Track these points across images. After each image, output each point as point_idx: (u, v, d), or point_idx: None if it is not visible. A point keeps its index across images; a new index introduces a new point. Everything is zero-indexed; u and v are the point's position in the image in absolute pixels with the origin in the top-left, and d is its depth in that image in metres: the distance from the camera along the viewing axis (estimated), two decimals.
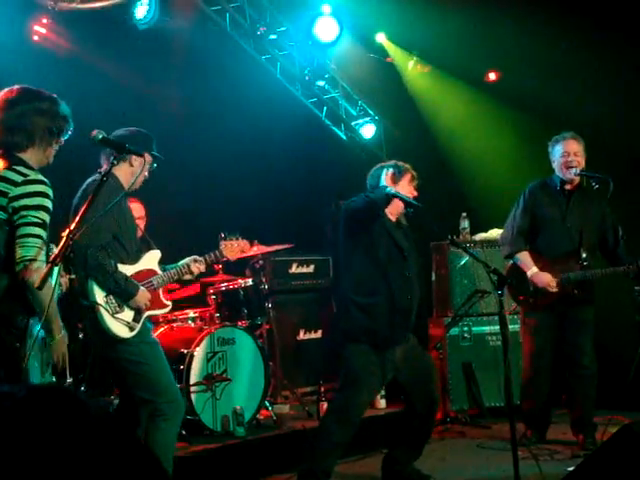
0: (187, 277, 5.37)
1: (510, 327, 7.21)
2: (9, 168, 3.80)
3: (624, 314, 6.32)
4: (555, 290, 6.33)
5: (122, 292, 4.73)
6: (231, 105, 8.32)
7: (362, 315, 5.45)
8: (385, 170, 5.68)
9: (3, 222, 3.74)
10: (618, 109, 7.92)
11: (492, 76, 9.54)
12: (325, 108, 9.66)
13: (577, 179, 6.42)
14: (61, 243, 3.60)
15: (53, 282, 3.67)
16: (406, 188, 5.62)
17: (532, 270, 6.40)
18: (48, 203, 3.79)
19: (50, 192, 3.82)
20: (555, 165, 6.48)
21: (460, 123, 9.22)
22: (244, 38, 8.74)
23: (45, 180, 3.84)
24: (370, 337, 5.42)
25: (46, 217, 3.76)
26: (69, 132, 4.08)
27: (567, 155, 6.34)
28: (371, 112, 9.79)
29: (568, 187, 6.49)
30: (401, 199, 5.54)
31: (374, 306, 5.47)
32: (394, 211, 5.64)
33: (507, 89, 9.07)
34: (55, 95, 4.05)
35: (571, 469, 4.70)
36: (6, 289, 3.71)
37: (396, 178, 5.64)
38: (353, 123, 9.85)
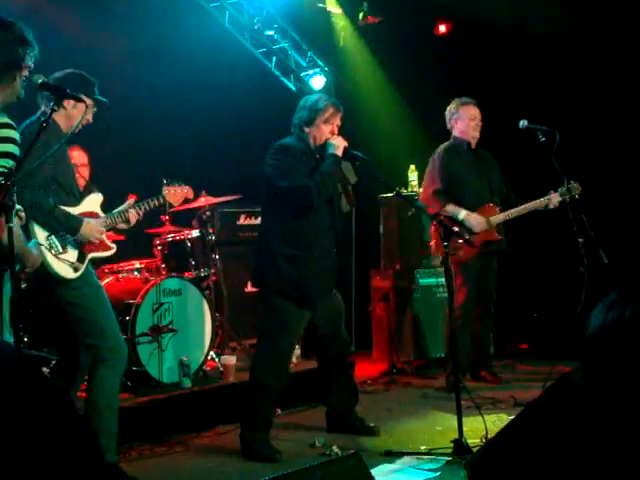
0: (122, 227, 5.30)
1: None
2: None
3: (568, 266, 6.38)
4: (484, 227, 6.87)
5: (65, 228, 4.66)
6: (178, 54, 8.21)
7: (291, 268, 5.35)
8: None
9: None
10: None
11: (442, 28, 9.49)
12: (274, 58, 9.53)
13: (475, 141, 7.14)
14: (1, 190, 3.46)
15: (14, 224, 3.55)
16: (321, 128, 5.46)
17: (462, 212, 6.93)
18: (15, 149, 3.59)
19: (17, 136, 3.62)
20: (459, 127, 7.15)
21: (410, 75, 9.16)
22: None
23: (11, 123, 3.63)
24: (299, 292, 5.37)
25: (12, 164, 3.56)
26: (33, 56, 3.82)
27: (473, 119, 7.10)
28: (321, 63, 9.69)
29: (472, 146, 7.18)
30: (348, 155, 5.49)
31: (303, 259, 5.37)
32: (320, 138, 5.48)
33: (458, 41, 9.06)
34: (6, 20, 3.76)
35: (512, 417, 4.79)
36: None
37: (313, 120, 5.47)
38: (303, 74, 9.74)
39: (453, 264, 6.91)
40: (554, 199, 6.74)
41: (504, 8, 8.11)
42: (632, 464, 1.24)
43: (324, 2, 9.46)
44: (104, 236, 5.00)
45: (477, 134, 7.12)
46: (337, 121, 5.52)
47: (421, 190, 7.32)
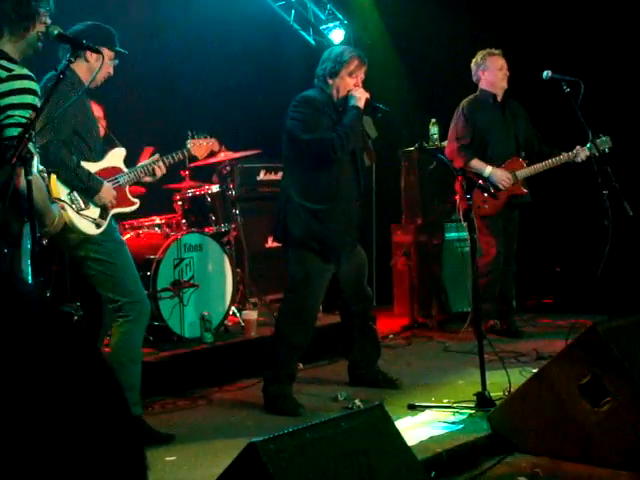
0: (148, 180, 5.29)
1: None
2: None
3: (592, 219, 6.31)
4: (510, 184, 6.91)
5: (85, 188, 4.62)
6: (197, 8, 8.12)
7: (314, 221, 5.32)
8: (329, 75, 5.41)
9: None
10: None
11: None
12: (293, 11, 9.44)
13: (503, 91, 7.13)
14: (20, 142, 3.46)
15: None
16: (345, 81, 5.39)
17: (488, 169, 6.93)
18: (35, 100, 3.58)
19: (37, 88, 3.62)
20: (487, 78, 7.13)
21: (430, 27, 9.03)
22: None
23: (31, 74, 3.62)
24: (322, 246, 5.35)
25: (32, 115, 3.55)
26: (48, 10, 3.82)
27: (501, 70, 7.07)
28: (340, 16, 9.58)
29: (499, 99, 7.17)
30: (370, 107, 5.44)
31: (326, 213, 5.33)
32: (342, 91, 5.42)
33: None
34: None
35: (535, 371, 4.78)
36: None
37: (338, 71, 5.39)
38: (322, 27, 9.64)
39: (477, 218, 6.91)
40: (582, 154, 6.71)
41: None
42: None
43: None
44: (127, 191, 4.99)
45: (505, 84, 7.11)
46: (361, 74, 5.46)
47: (446, 144, 7.27)
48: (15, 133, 3.47)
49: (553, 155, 6.91)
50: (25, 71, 3.61)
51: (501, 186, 6.87)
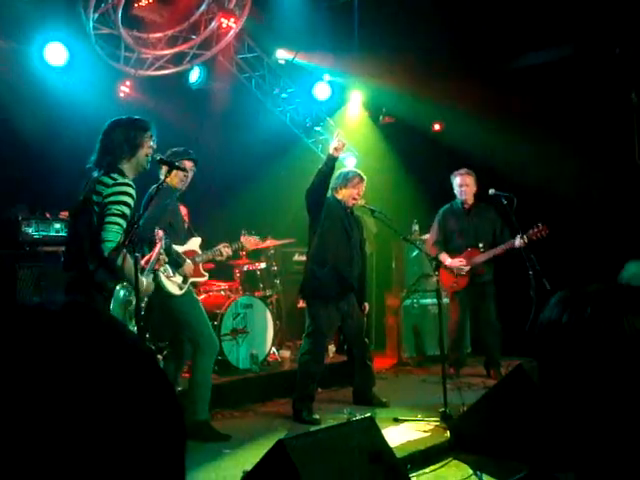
0: (219, 258, 5.46)
1: (443, 300, 7.28)
2: (106, 174, 3.80)
3: (522, 291, 6.34)
4: (467, 269, 6.75)
5: (174, 262, 4.80)
6: (254, 143, 8.37)
7: (317, 279, 5.53)
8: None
9: (99, 214, 3.72)
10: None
11: (437, 127, 9.55)
12: (320, 146, 9.70)
13: (471, 200, 6.92)
14: (129, 231, 3.66)
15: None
16: (350, 191, 5.67)
17: (448, 260, 6.76)
18: (128, 199, 3.75)
19: (132, 191, 3.78)
20: (455, 191, 6.95)
21: (416, 158, 9.17)
22: (264, 96, 8.83)
23: (129, 182, 3.80)
24: (323, 294, 5.52)
25: (126, 209, 3.73)
26: (150, 139, 4.01)
27: (460, 186, 6.89)
28: (353, 149, 9.80)
29: (467, 206, 6.95)
30: (370, 210, 5.69)
31: (325, 273, 5.52)
32: (348, 198, 5.70)
33: (448, 137, 9.08)
34: (133, 117, 4.03)
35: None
36: (99, 264, 3.69)
37: (345, 185, 5.70)
38: (340, 156, 9.82)
39: (449, 293, 6.97)
40: (517, 241, 6.38)
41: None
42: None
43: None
44: (200, 267, 5.15)
45: (464, 197, 6.85)
46: (360, 187, 5.72)
47: (424, 236, 7.38)
48: (110, 220, 3.67)
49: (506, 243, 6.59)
50: (125, 180, 3.80)
51: (456, 270, 6.74)
